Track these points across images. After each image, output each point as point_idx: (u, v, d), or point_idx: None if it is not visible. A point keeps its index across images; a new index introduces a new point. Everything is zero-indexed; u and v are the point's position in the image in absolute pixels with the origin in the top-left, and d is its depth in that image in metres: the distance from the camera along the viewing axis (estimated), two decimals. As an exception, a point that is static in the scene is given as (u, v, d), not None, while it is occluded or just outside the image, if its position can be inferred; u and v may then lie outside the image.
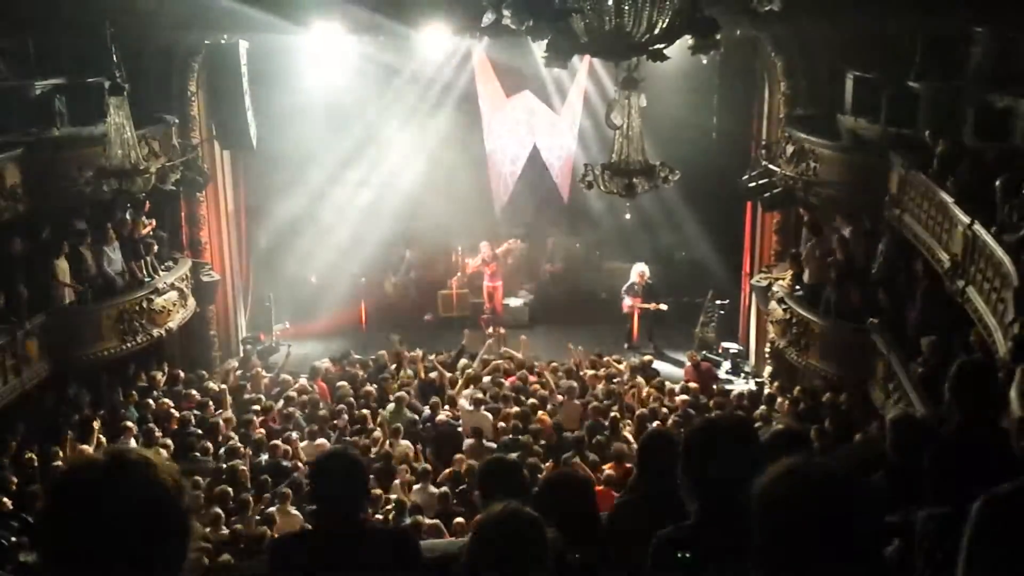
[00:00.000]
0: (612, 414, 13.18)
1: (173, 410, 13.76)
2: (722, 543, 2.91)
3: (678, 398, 14.03)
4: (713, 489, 3.20)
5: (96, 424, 12.97)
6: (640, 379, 14.95)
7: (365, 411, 13.62)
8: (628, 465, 11.18)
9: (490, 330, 18.50)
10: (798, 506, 2.23)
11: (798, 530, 2.21)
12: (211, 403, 14.15)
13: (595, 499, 4.82)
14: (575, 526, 4.14)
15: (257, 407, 13.92)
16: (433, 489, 11.14)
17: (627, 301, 18.56)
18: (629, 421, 13.26)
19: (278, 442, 12.48)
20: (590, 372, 15.19)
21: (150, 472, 2.02)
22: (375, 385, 14.67)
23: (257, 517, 10.46)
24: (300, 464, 11.99)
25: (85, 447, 12.22)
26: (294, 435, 12.90)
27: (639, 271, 18.58)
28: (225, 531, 10.00)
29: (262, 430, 13.14)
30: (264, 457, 12.21)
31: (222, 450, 12.29)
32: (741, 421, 4.34)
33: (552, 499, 4.30)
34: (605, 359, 16.13)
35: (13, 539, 9.61)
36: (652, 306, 18.28)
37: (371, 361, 15.89)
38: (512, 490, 4.28)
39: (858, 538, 2.23)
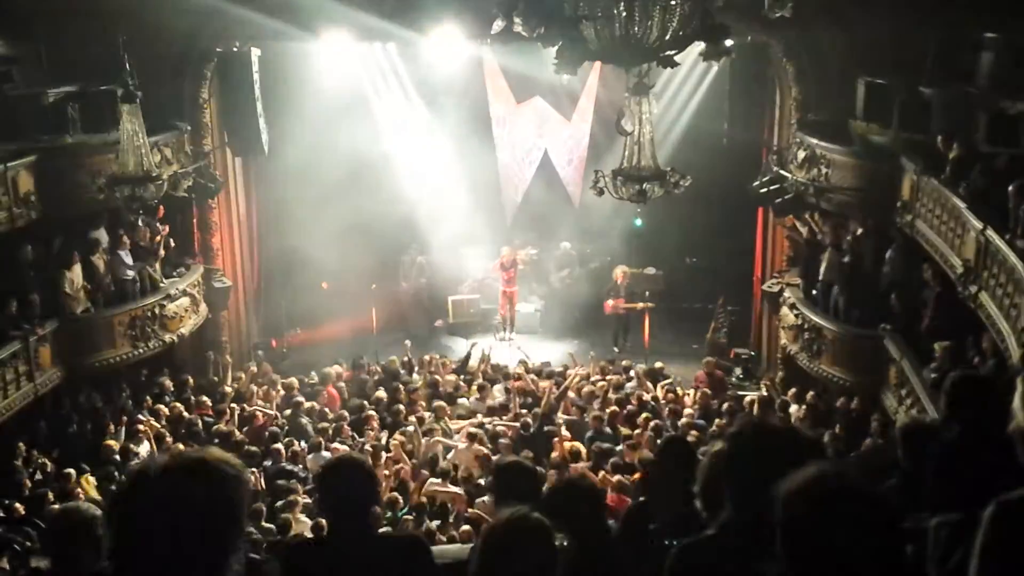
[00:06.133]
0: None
1: (186, 414, 13.85)
2: (746, 553, 2.88)
3: (686, 410, 14.00)
4: (753, 496, 3.11)
5: (111, 429, 13.06)
6: (650, 384, 14.97)
7: (373, 413, 13.65)
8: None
9: (501, 335, 18.53)
10: (826, 516, 2.23)
11: (824, 539, 2.22)
12: (226, 408, 14.18)
13: (604, 505, 4.82)
14: (584, 532, 4.15)
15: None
16: (453, 488, 11.22)
17: (609, 302, 18.58)
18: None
19: (279, 446, 12.50)
20: (599, 379, 15.15)
21: (227, 473, 2.20)
22: (385, 390, 14.69)
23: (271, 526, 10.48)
24: (307, 469, 12.04)
25: (110, 443, 12.36)
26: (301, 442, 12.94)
27: (620, 271, 18.63)
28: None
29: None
30: (268, 463, 12.27)
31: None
32: (790, 428, 4.30)
33: (561, 505, 4.31)
34: (615, 364, 16.13)
35: (27, 544, 9.68)
36: (639, 306, 18.24)
37: (380, 367, 15.91)
38: (525, 494, 4.29)
39: (885, 549, 2.23)
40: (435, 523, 10.22)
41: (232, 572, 2.20)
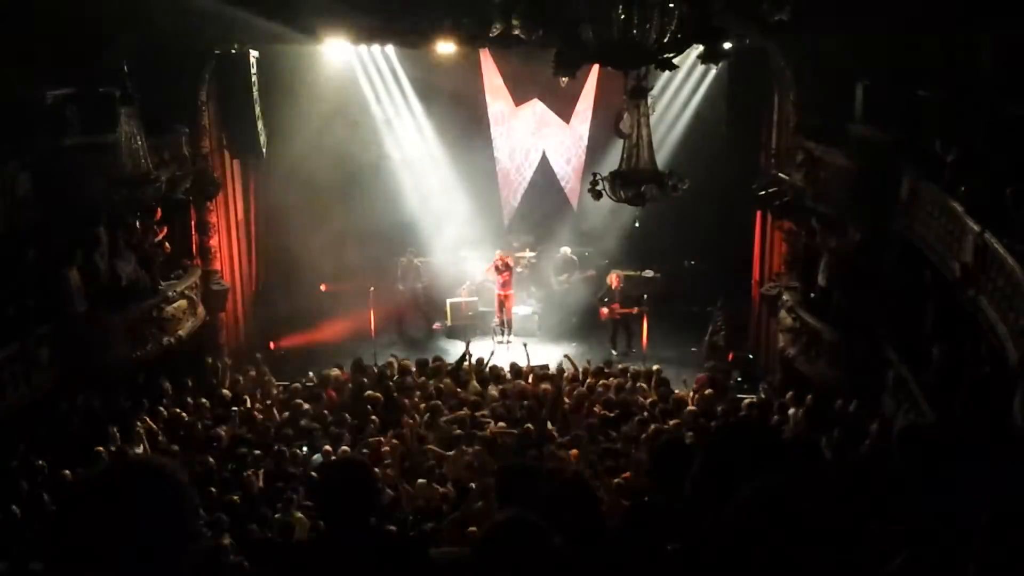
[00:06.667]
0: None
1: (185, 416, 13.83)
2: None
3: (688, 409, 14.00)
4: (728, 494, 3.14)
5: (110, 432, 13.03)
6: (644, 385, 14.97)
7: (373, 417, 13.64)
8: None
9: (499, 339, 18.50)
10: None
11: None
12: (225, 411, 14.17)
13: (599, 507, 4.81)
14: (580, 533, 4.14)
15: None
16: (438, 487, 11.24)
17: (604, 309, 18.61)
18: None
19: (284, 448, 12.48)
20: (593, 381, 15.15)
21: (158, 478, 2.17)
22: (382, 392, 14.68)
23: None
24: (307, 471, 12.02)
25: (101, 450, 12.33)
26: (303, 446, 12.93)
27: (614, 275, 18.66)
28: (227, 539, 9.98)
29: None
30: (272, 467, 12.24)
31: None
32: (765, 427, 4.31)
33: (557, 507, 4.30)
34: (611, 367, 16.12)
35: (24, 547, 9.66)
36: (635, 310, 18.26)
37: (377, 369, 15.87)
38: (528, 496, 4.28)
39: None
40: (429, 525, 10.21)
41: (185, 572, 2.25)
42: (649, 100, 10.20)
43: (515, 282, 19.20)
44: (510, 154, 20.43)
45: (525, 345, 16.52)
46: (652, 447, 10.92)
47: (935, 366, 11.49)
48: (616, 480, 10.94)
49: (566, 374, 15.44)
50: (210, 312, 16.66)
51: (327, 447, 12.64)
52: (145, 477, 2.24)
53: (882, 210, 13.48)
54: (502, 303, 18.99)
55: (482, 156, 19.85)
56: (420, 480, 11.50)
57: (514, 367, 15.68)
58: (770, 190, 15.66)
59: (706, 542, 3.14)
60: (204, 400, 14.53)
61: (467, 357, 15.93)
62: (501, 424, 13.32)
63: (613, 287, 18.65)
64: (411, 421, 13.26)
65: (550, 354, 17.55)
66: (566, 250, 20.14)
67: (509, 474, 4.91)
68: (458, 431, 12.81)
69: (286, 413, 14.12)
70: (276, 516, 10.68)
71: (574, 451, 12.33)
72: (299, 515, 10.60)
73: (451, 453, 12.31)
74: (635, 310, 18.22)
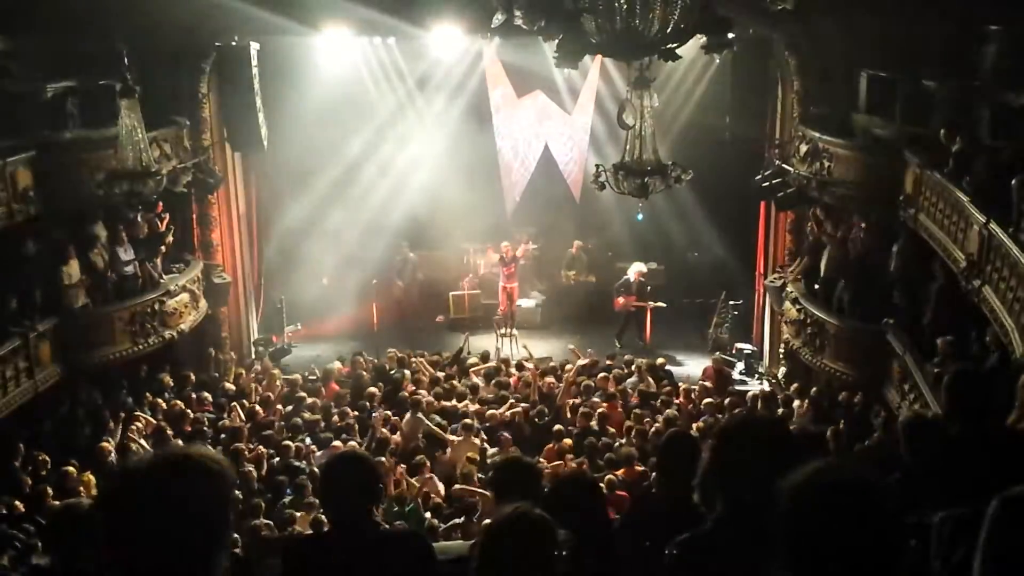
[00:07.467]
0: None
1: (189, 410, 13.81)
2: (742, 547, 2.86)
3: (704, 400, 14.00)
4: (742, 489, 3.12)
5: (111, 426, 13.02)
6: (648, 378, 14.95)
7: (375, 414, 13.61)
8: (639, 468, 11.16)
9: (503, 331, 18.46)
10: (829, 510, 2.24)
11: (827, 534, 2.23)
12: (227, 405, 14.15)
13: (604, 501, 4.79)
14: (586, 528, 4.11)
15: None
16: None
17: (620, 299, 18.53)
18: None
19: (289, 442, 12.47)
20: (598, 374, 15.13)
21: (211, 469, 2.22)
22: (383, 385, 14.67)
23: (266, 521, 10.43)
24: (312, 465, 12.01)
25: (104, 444, 12.32)
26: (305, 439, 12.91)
27: (637, 270, 18.58)
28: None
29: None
30: (275, 460, 12.22)
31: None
32: (776, 420, 4.29)
33: (562, 501, 4.27)
34: (616, 359, 16.09)
35: (28, 541, 9.64)
36: (650, 304, 18.20)
37: (374, 362, 15.83)
38: (526, 490, 4.25)
39: (885, 543, 2.23)
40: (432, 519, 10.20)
41: (221, 569, 2.21)
42: (652, 91, 10.16)
43: (519, 275, 19.14)
44: (512, 146, 20.37)
45: (525, 346, 16.51)
46: (659, 441, 10.88)
47: (939, 358, 11.44)
48: (609, 477, 10.89)
49: (569, 367, 15.40)
50: (212, 306, 16.63)
51: (335, 443, 12.61)
52: (195, 469, 2.22)
53: (886, 200, 13.42)
54: (508, 295, 18.91)
55: (484, 148, 19.78)
56: (419, 474, 11.51)
57: (519, 363, 15.67)
58: (774, 181, 15.59)
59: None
60: (206, 394, 14.53)
61: (467, 351, 15.92)
62: (491, 412, 13.33)
63: (632, 280, 18.54)
64: (408, 414, 13.26)
65: (553, 347, 17.53)
66: (578, 244, 20.05)
67: (504, 470, 4.89)
68: (467, 421, 12.79)
69: (288, 407, 14.11)
70: (278, 510, 10.67)
71: (567, 442, 12.34)
72: (299, 513, 10.57)
73: (457, 437, 12.33)
74: (650, 304, 18.18)
